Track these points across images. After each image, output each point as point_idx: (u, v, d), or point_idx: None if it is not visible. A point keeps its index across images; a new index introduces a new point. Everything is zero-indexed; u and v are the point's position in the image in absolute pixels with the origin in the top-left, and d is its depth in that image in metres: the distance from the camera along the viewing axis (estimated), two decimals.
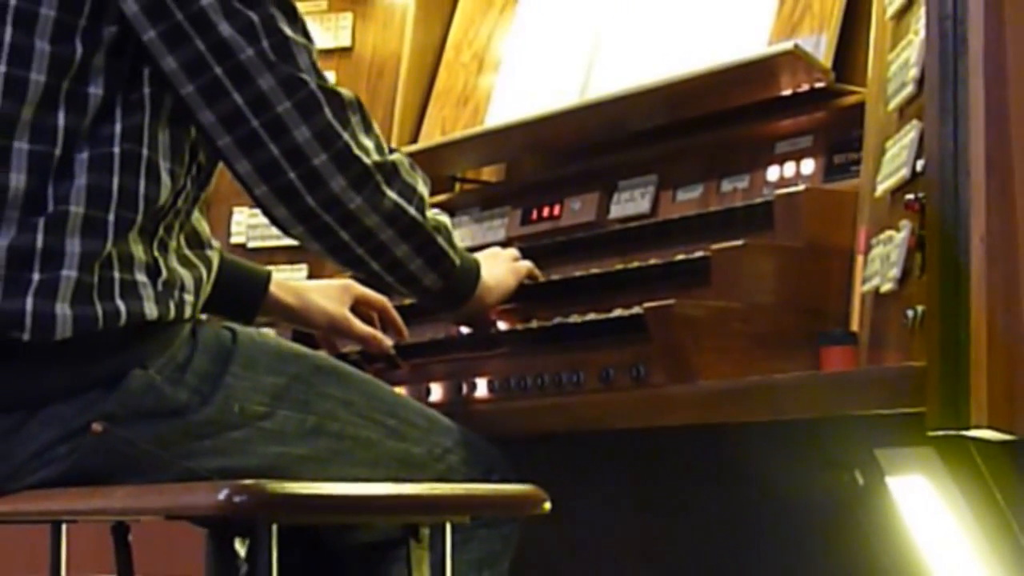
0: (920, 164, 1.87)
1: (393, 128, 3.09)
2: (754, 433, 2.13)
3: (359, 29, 3.26)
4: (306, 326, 2.40)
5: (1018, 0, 1.77)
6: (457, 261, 2.14)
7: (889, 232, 1.93)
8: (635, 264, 2.30)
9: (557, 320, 2.28)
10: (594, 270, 2.38)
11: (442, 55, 3.09)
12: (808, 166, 2.39)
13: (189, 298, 1.99)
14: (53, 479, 1.93)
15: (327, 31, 3.24)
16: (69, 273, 1.88)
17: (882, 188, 2.00)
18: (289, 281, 2.38)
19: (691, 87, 2.46)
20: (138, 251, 1.94)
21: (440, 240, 2.10)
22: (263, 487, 1.73)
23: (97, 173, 1.90)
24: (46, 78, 1.90)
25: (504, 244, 2.60)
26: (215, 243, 2.11)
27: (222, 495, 1.70)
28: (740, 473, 2.36)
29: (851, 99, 2.31)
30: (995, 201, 1.72)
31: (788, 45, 2.31)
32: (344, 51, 3.25)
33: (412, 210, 2.04)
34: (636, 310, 2.12)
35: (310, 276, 3.10)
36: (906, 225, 1.86)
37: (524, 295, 2.43)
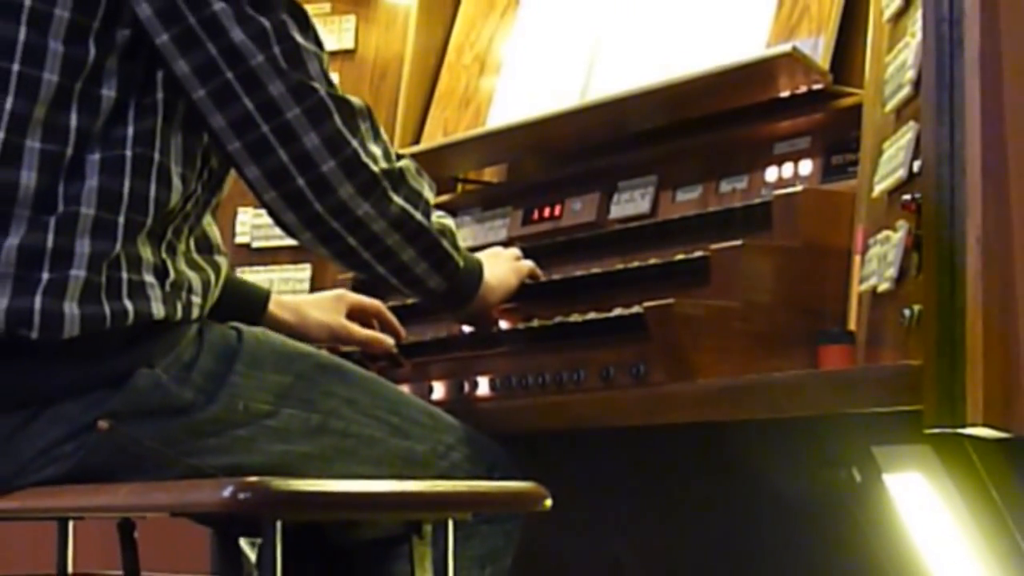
0: (917, 165, 1.87)
1: (396, 129, 3.09)
2: (753, 431, 2.13)
3: (362, 31, 3.26)
4: (305, 340, 2.40)
5: (1013, 3, 1.77)
6: (461, 263, 2.15)
7: (886, 232, 1.94)
8: (635, 264, 2.30)
9: (558, 319, 2.28)
10: (594, 270, 2.39)
11: (444, 57, 3.09)
12: (806, 167, 2.39)
13: (196, 299, 1.99)
14: (59, 476, 1.93)
15: (330, 33, 3.24)
16: (78, 273, 1.88)
17: (879, 188, 2.00)
18: (285, 298, 2.39)
19: (690, 89, 2.46)
20: (146, 253, 1.94)
21: (445, 243, 2.11)
22: (267, 484, 1.73)
23: (108, 175, 1.91)
24: (59, 78, 1.90)
25: (505, 244, 2.60)
26: (224, 250, 2.11)
27: (227, 492, 1.70)
28: (739, 470, 2.36)
29: (848, 101, 2.31)
30: (991, 201, 1.72)
31: (786, 47, 2.31)
32: (347, 53, 3.25)
33: (418, 215, 2.05)
34: (636, 309, 2.12)
35: (314, 276, 3.10)
36: (903, 225, 1.86)
37: (525, 295, 2.43)
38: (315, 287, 3.04)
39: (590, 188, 2.71)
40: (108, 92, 1.92)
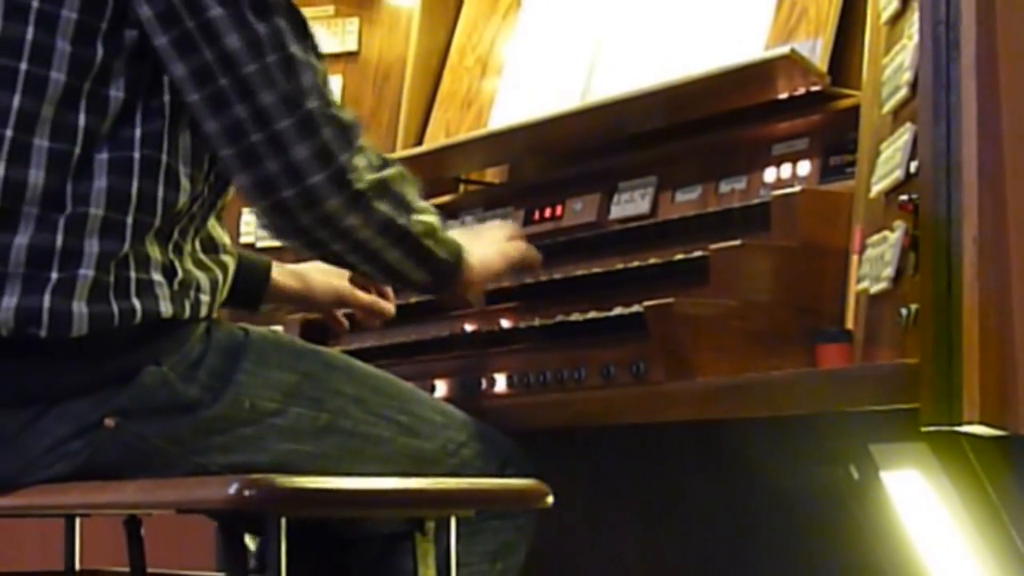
0: (914, 166, 1.87)
1: (398, 130, 3.09)
2: (751, 429, 2.13)
3: (365, 34, 3.26)
4: (312, 304, 2.42)
5: (1010, 5, 1.77)
6: (445, 256, 2.13)
7: (883, 232, 1.94)
8: (635, 264, 2.30)
9: (559, 318, 2.28)
10: (595, 269, 2.39)
11: (446, 59, 3.09)
12: (804, 168, 2.39)
13: (205, 298, 1.99)
14: (67, 474, 1.93)
15: (334, 36, 3.24)
16: (86, 272, 1.88)
17: (876, 189, 2.00)
18: (288, 266, 2.39)
19: (690, 90, 2.46)
20: (154, 252, 1.94)
21: (429, 243, 2.09)
22: (272, 481, 1.73)
23: (117, 176, 1.91)
24: (67, 77, 1.90)
25: None
26: (231, 250, 2.11)
27: (232, 489, 1.71)
28: (738, 468, 2.36)
29: (846, 102, 2.31)
30: (987, 202, 1.72)
31: (785, 49, 2.31)
32: (351, 55, 3.25)
33: (403, 219, 2.04)
34: (636, 308, 2.12)
35: None
36: (900, 225, 1.86)
37: (527, 294, 2.43)
38: None
39: (591, 188, 2.71)
40: (116, 93, 1.92)
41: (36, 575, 2.41)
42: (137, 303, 1.91)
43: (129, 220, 1.91)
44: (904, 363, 1.77)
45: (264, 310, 2.39)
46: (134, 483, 1.89)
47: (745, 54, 2.41)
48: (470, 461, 2.16)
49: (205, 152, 1.98)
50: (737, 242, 2.12)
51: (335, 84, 3.20)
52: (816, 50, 2.34)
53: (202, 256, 2.02)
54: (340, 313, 2.47)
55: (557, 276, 2.42)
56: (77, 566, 2.40)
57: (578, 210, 2.71)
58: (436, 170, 3.02)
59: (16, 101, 1.90)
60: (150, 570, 2.28)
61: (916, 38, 1.87)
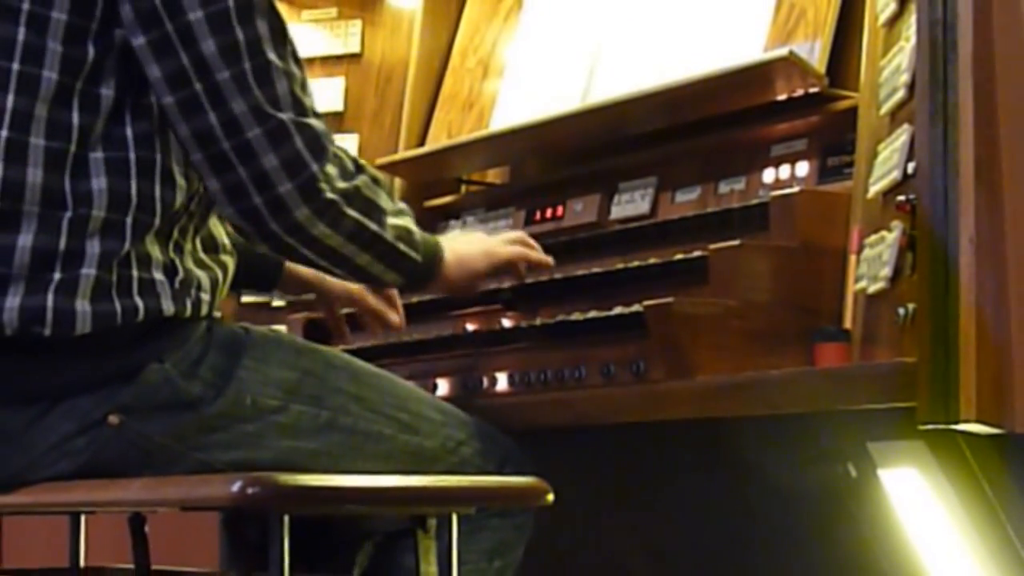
0: (911, 166, 1.87)
1: (401, 132, 3.09)
2: (750, 427, 2.13)
3: (368, 36, 3.26)
4: (323, 296, 2.41)
5: (1006, 7, 1.77)
6: (418, 258, 2.12)
7: (881, 232, 1.93)
8: (635, 263, 2.30)
9: (560, 317, 2.28)
10: (595, 269, 2.38)
11: (448, 61, 3.09)
12: (803, 168, 2.39)
13: (205, 296, 1.99)
14: (71, 471, 1.93)
15: (337, 38, 3.24)
16: (89, 271, 1.88)
17: (874, 190, 2.00)
18: None
19: (689, 92, 2.46)
20: (155, 251, 1.94)
21: (401, 246, 2.08)
22: (275, 479, 1.74)
23: (115, 176, 1.91)
24: (59, 76, 1.90)
25: None
26: (231, 249, 2.10)
27: (236, 487, 1.71)
28: (737, 466, 2.36)
29: (844, 103, 2.31)
30: (983, 202, 1.71)
31: (783, 51, 2.31)
32: (353, 57, 3.25)
33: (373, 225, 2.03)
34: (636, 308, 2.12)
35: None
36: (897, 226, 1.86)
37: (528, 294, 2.43)
38: None
39: (591, 189, 2.71)
40: (107, 91, 1.92)
41: (42, 572, 2.41)
42: (139, 301, 1.91)
43: (129, 220, 1.91)
44: (901, 362, 1.77)
45: (279, 296, 2.39)
46: (138, 481, 1.89)
47: (744, 56, 2.41)
48: (470, 459, 2.16)
49: None
50: (736, 242, 2.12)
51: (338, 86, 3.20)
52: (814, 52, 2.34)
53: (203, 255, 2.02)
54: (343, 314, 2.47)
55: (558, 276, 2.42)
56: (82, 563, 2.40)
57: (579, 210, 2.71)
58: (438, 171, 3.02)
59: (10, 101, 1.90)
60: (154, 567, 2.28)
61: (913, 40, 1.87)
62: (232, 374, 1.98)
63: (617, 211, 2.65)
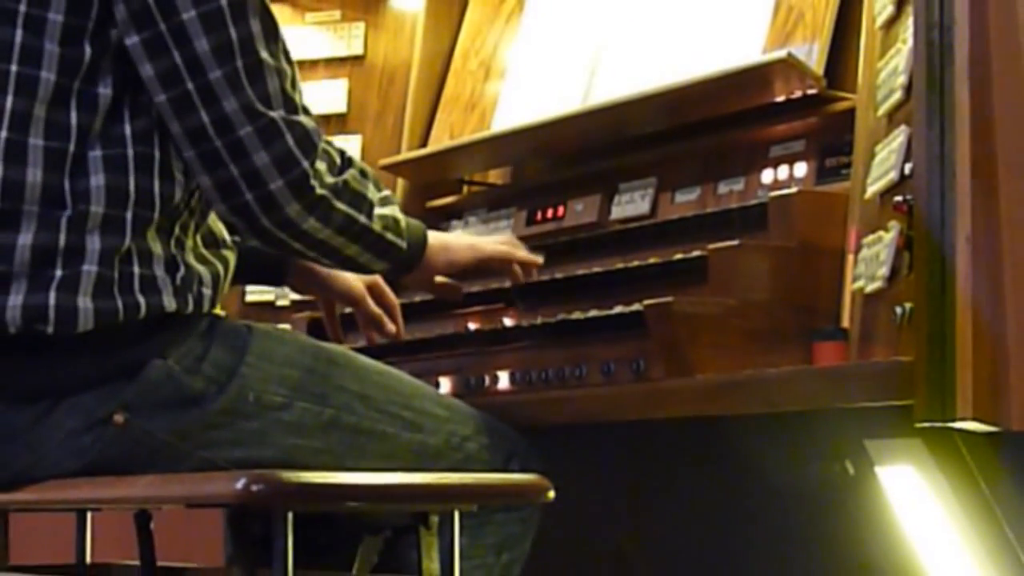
0: (908, 167, 1.86)
1: (403, 133, 3.09)
2: (749, 425, 2.13)
3: (371, 38, 3.26)
4: (328, 291, 2.41)
5: (1003, 9, 1.77)
6: (403, 245, 2.13)
7: (878, 232, 1.93)
8: (635, 263, 2.30)
9: (561, 317, 2.28)
10: (596, 269, 2.39)
11: (451, 63, 3.09)
12: (801, 169, 2.39)
13: (207, 292, 1.99)
14: (77, 469, 1.93)
15: (340, 40, 3.24)
16: (90, 268, 1.88)
17: (872, 190, 2.00)
18: None
19: (689, 93, 2.46)
20: (156, 248, 1.94)
21: (389, 236, 2.10)
22: (279, 476, 1.74)
23: (113, 173, 1.91)
24: (56, 77, 1.90)
25: None
26: (231, 244, 2.11)
27: (240, 484, 1.71)
28: (735, 463, 2.36)
29: (842, 105, 2.31)
30: (979, 203, 1.71)
31: (782, 53, 2.31)
32: (357, 59, 3.25)
33: (362, 218, 2.04)
34: (636, 307, 2.12)
35: None
36: (894, 226, 1.86)
37: (529, 294, 2.43)
38: None
39: (592, 190, 2.71)
40: (105, 90, 1.92)
41: (48, 568, 2.41)
42: (141, 298, 1.91)
43: (128, 215, 1.91)
44: (899, 360, 1.77)
45: (288, 292, 2.39)
46: (144, 478, 1.89)
47: (743, 58, 2.41)
48: (475, 454, 2.16)
49: None
50: (735, 242, 2.12)
51: (341, 88, 3.20)
52: (812, 54, 2.34)
53: (203, 251, 2.02)
54: (339, 315, 2.47)
55: (559, 275, 2.42)
56: (88, 559, 2.40)
57: (579, 211, 2.71)
58: (440, 171, 3.02)
59: (9, 102, 1.90)
60: (160, 563, 2.28)
61: (910, 42, 1.87)
62: (235, 370, 1.98)
63: (617, 211, 2.65)
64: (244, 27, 1.92)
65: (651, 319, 2.07)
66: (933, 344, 1.70)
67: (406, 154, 3.02)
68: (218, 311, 2.05)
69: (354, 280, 2.38)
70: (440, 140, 3.01)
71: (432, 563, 1.91)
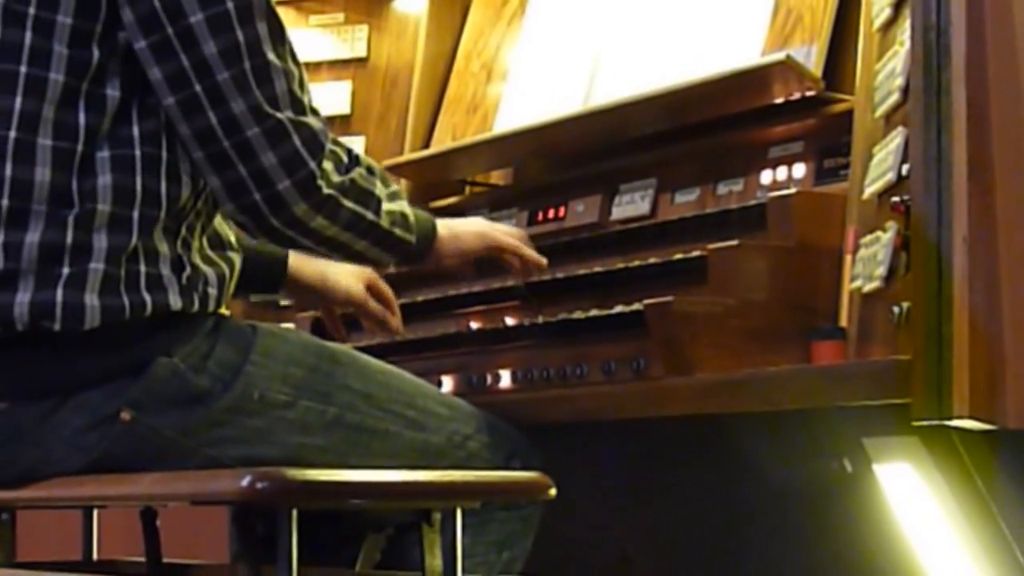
0: (905, 168, 1.87)
1: (406, 134, 3.09)
2: (748, 423, 2.13)
3: (374, 40, 3.26)
4: (325, 298, 2.41)
5: (999, 12, 1.77)
6: (412, 239, 2.14)
7: (876, 233, 1.94)
8: (635, 263, 2.31)
9: (562, 316, 2.28)
10: (597, 269, 2.39)
11: (453, 65, 3.09)
12: (799, 170, 2.39)
13: (213, 292, 1.99)
14: (83, 466, 1.93)
15: (344, 42, 3.24)
16: (97, 266, 1.89)
17: (869, 191, 2.00)
18: (308, 257, 2.39)
19: (689, 95, 2.46)
20: (163, 247, 1.94)
21: (397, 231, 2.10)
22: (283, 474, 1.74)
23: (120, 173, 1.91)
24: (65, 78, 1.91)
25: None
26: (237, 247, 2.11)
27: (245, 481, 1.71)
28: (734, 461, 2.36)
29: (840, 107, 2.31)
30: (976, 203, 1.72)
31: (780, 55, 2.31)
32: (360, 61, 3.25)
33: (369, 215, 2.05)
34: (636, 306, 2.12)
35: None
36: (892, 226, 1.86)
37: (530, 293, 2.43)
38: None
39: (592, 190, 2.71)
40: (113, 92, 1.92)
41: (55, 565, 2.41)
42: (147, 296, 1.91)
43: (135, 215, 1.91)
44: (896, 359, 1.77)
45: (284, 297, 2.39)
46: (150, 476, 1.89)
47: (742, 60, 2.41)
48: (477, 453, 2.16)
49: None
50: (734, 242, 2.12)
51: (345, 89, 3.20)
52: (811, 56, 2.34)
53: (210, 252, 2.02)
54: (340, 315, 2.47)
55: (560, 275, 2.42)
56: (95, 556, 2.40)
57: (580, 211, 2.71)
58: (443, 172, 3.03)
59: (18, 103, 1.90)
60: (165, 560, 2.28)
61: (908, 44, 1.87)
62: (240, 368, 1.98)
63: (618, 212, 2.65)
64: (251, 29, 1.92)
65: (651, 319, 2.08)
66: (930, 343, 1.71)
67: (409, 155, 3.02)
68: (223, 310, 2.05)
69: (352, 284, 2.38)
70: (442, 141, 3.01)
71: (435, 560, 1.91)
